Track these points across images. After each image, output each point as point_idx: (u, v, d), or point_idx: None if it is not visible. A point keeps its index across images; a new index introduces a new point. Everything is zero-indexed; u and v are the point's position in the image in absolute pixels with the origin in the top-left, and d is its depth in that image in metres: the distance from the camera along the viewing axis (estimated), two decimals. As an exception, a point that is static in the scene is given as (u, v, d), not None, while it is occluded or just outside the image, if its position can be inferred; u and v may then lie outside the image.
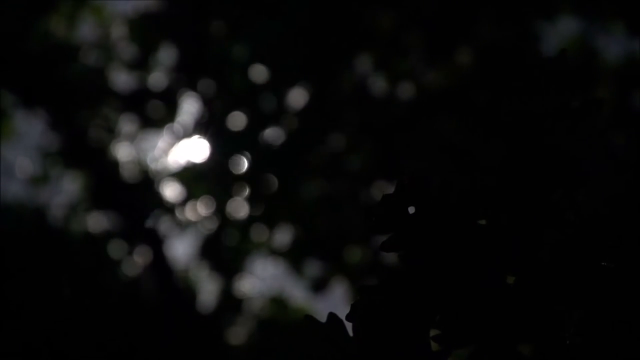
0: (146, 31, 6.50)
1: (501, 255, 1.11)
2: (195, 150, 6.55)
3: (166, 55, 6.58)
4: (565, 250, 1.08)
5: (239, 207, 6.60)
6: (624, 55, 5.75)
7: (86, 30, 6.80)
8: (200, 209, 6.69)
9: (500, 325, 1.10)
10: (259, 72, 6.34)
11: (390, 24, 6.23)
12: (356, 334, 1.18)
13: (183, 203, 6.72)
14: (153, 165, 6.79)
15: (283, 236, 6.68)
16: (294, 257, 6.68)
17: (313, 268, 6.65)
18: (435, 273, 1.13)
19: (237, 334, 7.07)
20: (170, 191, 6.75)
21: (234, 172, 6.41)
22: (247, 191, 6.49)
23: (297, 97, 6.35)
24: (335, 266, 6.60)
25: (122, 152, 6.83)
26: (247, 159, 6.38)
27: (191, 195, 6.66)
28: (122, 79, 6.74)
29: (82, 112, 6.73)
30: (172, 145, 6.63)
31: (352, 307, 1.22)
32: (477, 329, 1.10)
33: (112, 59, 6.68)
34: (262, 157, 6.34)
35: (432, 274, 1.13)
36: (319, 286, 6.63)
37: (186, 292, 6.99)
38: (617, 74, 5.67)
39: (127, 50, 6.70)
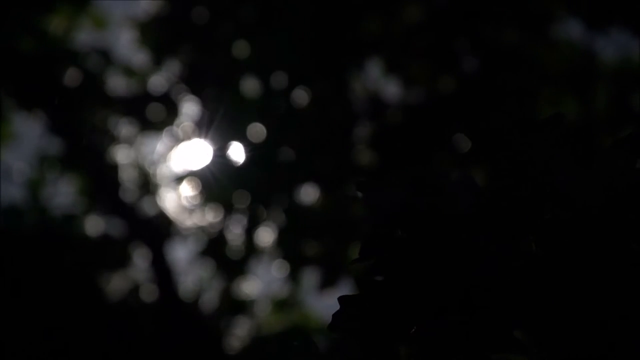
0: (157, 35, 6.46)
1: (477, 267, 1.10)
2: (196, 153, 6.52)
3: (173, 59, 6.54)
4: (542, 260, 1.08)
5: (243, 212, 6.58)
6: (622, 56, 5.74)
7: (86, 32, 6.79)
8: (202, 213, 6.67)
9: (477, 338, 1.09)
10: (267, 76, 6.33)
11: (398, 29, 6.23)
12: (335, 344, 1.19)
13: (185, 207, 6.71)
14: (153, 169, 6.78)
15: (287, 238, 6.66)
16: (296, 259, 6.67)
17: (317, 269, 6.63)
18: (412, 286, 1.12)
19: (238, 337, 7.05)
20: (171, 195, 6.74)
21: (237, 176, 6.40)
22: (251, 196, 6.48)
23: (304, 101, 6.34)
24: (341, 264, 6.58)
25: (122, 155, 6.82)
26: (252, 162, 6.36)
27: (193, 199, 6.64)
28: (121, 82, 6.72)
29: (82, 114, 6.71)
30: (172, 148, 6.61)
31: (334, 317, 1.22)
32: (454, 344, 1.09)
33: (112, 62, 6.66)
34: (268, 160, 6.33)
35: (409, 287, 1.12)
36: (324, 285, 6.61)
37: (187, 294, 6.97)
38: (615, 76, 5.67)
39: (133, 54, 6.69)
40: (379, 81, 6.41)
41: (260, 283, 7.05)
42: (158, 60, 6.52)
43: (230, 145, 6.34)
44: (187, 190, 6.60)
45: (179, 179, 6.61)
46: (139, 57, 6.65)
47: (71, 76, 6.64)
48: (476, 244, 1.11)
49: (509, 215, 1.10)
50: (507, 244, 1.09)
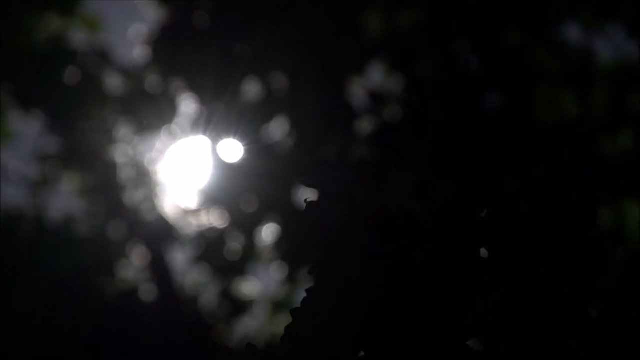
0: (163, 46, 6.44)
1: (430, 274, 1.09)
2: (195, 153, 6.52)
3: (173, 59, 6.53)
4: (494, 267, 1.06)
5: (243, 213, 6.58)
6: (620, 57, 5.73)
7: (83, 34, 6.79)
8: (201, 214, 6.67)
9: (430, 348, 1.08)
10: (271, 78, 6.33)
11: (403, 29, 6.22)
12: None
13: (184, 207, 6.71)
14: (152, 168, 6.78)
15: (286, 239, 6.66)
16: (294, 260, 6.66)
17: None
18: (362, 295, 1.10)
19: (236, 338, 7.05)
20: (171, 195, 6.74)
21: (236, 176, 6.39)
22: (252, 197, 6.48)
23: (304, 100, 6.33)
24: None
25: (120, 154, 6.82)
26: (251, 162, 6.36)
27: (193, 199, 6.64)
28: (120, 81, 6.72)
29: (80, 114, 6.71)
30: (171, 148, 6.61)
31: (285, 329, 1.21)
32: (407, 356, 1.08)
33: (110, 62, 6.67)
34: (267, 160, 6.33)
35: (359, 296, 1.10)
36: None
37: (185, 295, 6.97)
38: (612, 76, 5.66)
39: (132, 53, 6.69)
40: (380, 81, 6.41)
41: (260, 284, 7.06)
42: (159, 63, 6.52)
43: (229, 145, 6.34)
44: (186, 190, 6.60)
45: (178, 179, 6.61)
46: (138, 57, 6.65)
47: (70, 75, 6.65)
48: (429, 251, 1.09)
49: (463, 221, 1.09)
50: (460, 251, 1.08)
